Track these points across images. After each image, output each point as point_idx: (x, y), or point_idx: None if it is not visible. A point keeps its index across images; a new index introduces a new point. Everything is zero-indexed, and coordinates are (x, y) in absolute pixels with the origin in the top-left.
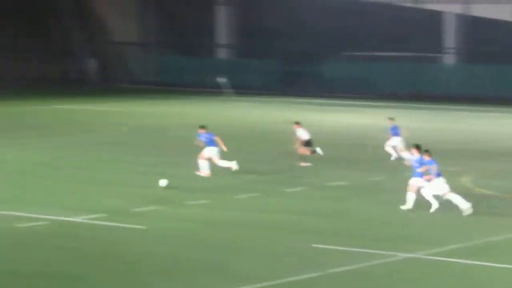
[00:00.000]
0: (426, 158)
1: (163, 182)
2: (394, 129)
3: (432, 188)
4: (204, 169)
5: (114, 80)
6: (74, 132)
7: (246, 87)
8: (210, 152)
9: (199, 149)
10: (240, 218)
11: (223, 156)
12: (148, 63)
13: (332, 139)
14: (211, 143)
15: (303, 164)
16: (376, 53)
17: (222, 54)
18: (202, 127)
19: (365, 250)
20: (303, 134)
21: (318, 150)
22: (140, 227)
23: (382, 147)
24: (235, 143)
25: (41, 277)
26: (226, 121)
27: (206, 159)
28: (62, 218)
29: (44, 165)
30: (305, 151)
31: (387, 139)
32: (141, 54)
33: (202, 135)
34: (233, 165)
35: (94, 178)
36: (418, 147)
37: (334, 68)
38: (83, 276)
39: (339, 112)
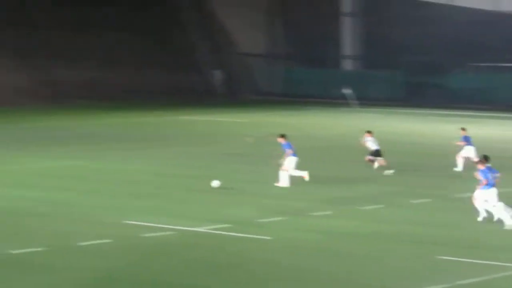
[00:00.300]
0: (481, 167)
1: (215, 183)
2: (466, 139)
3: (484, 197)
4: (284, 180)
5: (239, 91)
6: (198, 142)
7: (371, 98)
8: (293, 161)
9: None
10: (365, 229)
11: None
12: (274, 75)
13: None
14: (293, 153)
15: (386, 172)
16: (502, 64)
17: (348, 65)
18: (282, 136)
19: (490, 262)
20: (372, 143)
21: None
22: (265, 237)
23: (510, 158)
24: (358, 154)
25: (168, 287)
26: (349, 131)
27: (287, 170)
28: (187, 228)
29: (166, 175)
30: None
31: (461, 149)
32: (266, 66)
33: (285, 145)
34: (305, 174)
35: (218, 188)
36: (485, 158)
37: (459, 79)
38: (209, 286)
39: (465, 124)
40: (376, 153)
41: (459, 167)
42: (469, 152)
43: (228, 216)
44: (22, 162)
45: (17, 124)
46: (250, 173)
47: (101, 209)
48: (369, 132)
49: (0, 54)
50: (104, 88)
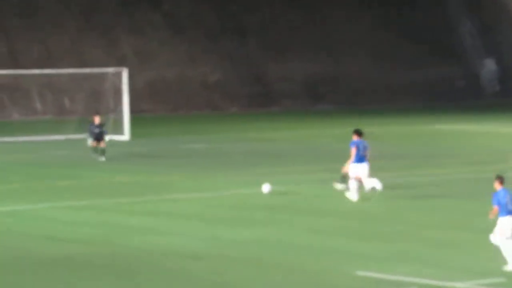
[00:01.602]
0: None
1: (265, 188)
2: None
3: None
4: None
5: None
6: (468, 161)
7: None
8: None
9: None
10: None
11: None
12: None
13: None
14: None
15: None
16: None
17: None
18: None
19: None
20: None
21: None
22: None
23: None
24: None
25: None
26: None
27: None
28: (444, 282)
29: (421, 207)
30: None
31: None
32: None
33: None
34: (377, 184)
35: None
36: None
37: None
38: None
39: None
40: None
41: None
42: None
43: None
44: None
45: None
46: None
47: (322, 252)
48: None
49: None
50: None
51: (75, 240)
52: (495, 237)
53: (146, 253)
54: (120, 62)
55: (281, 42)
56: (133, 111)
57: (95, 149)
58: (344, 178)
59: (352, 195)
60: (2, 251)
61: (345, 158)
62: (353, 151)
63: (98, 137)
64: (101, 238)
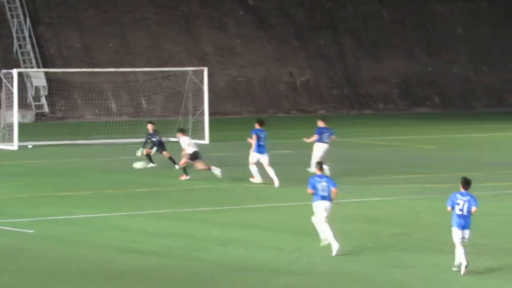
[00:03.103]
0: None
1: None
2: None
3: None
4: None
5: None
6: None
7: None
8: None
9: None
10: None
11: None
12: None
13: None
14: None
15: (183, 177)
16: None
17: None
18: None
19: None
20: (187, 145)
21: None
22: None
23: None
24: None
25: None
26: None
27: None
28: None
29: None
30: (200, 165)
31: None
32: None
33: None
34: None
35: None
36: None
37: None
38: None
39: None
40: (195, 156)
41: None
42: None
43: None
44: None
45: None
46: None
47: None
48: (181, 130)
49: None
50: None
51: (150, 251)
52: (313, 218)
53: (226, 266)
54: (201, 60)
55: (375, 41)
56: (213, 113)
57: (149, 157)
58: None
59: (256, 179)
60: (72, 262)
61: (445, 165)
62: (254, 138)
63: (157, 145)
64: (178, 249)
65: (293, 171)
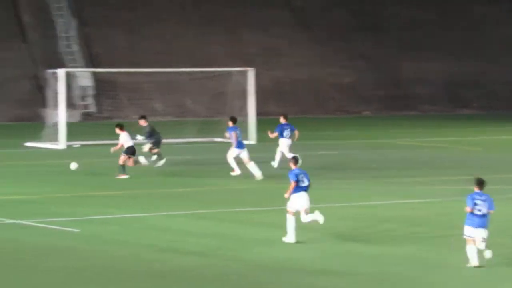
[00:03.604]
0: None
1: (73, 165)
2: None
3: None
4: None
5: None
6: None
7: None
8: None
9: None
10: None
11: None
12: None
13: None
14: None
15: (120, 176)
16: None
17: None
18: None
19: None
20: (126, 140)
21: (142, 159)
22: None
23: None
24: None
25: None
26: None
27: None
28: None
29: None
30: (128, 161)
31: None
32: None
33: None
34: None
35: None
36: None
37: None
38: None
39: None
40: (131, 151)
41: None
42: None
43: None
44: None
45: None
46: None
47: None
48: (119, 125)
49: None
50: None
51: (188, 251)
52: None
53: (264, 267)
54: (246, 61)
55: (419, 41)
56: (258, 113)
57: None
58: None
59: (236, 172)
60: (110, 261)
61: (490, 168)
62: (234, 136)
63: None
64: (217, 249)
65: (336, 172)
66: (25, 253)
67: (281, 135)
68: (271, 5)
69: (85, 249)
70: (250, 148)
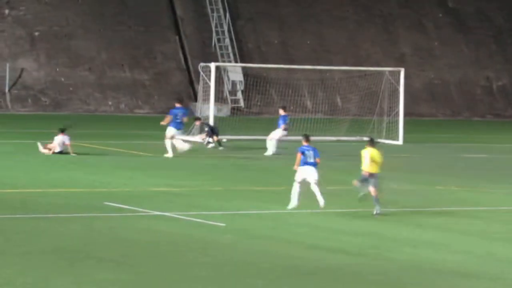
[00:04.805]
0: None
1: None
2: None
3: None
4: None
5: None
6: None
7: None
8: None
9: None
10: None
11: None
12: None
13: None
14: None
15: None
16: None
17: None
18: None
19: None
20: (59, 144)
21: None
22: None
23: None
24: None
25: None
26: None
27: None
28: None
29: None
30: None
31: None
32: None
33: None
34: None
35: None
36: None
37: None
38: None
39: None
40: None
41: None
42: None
43: None
44: None
45: None
46: None
47: None
48: (62, 130)
49: None
50: None
51: (340, 249)
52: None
53: (415, 267)
54: (398, 61)
55: None
56: (408, 114)
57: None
58: None
59: (169, 154)
60: (262, 257)
61: None
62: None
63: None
64: (368, 248)
65: (487, 175)
66: (178, 245)
67: (278, 125)
68: (426, 5)
69: (231, 243)
70: (396, 149)
